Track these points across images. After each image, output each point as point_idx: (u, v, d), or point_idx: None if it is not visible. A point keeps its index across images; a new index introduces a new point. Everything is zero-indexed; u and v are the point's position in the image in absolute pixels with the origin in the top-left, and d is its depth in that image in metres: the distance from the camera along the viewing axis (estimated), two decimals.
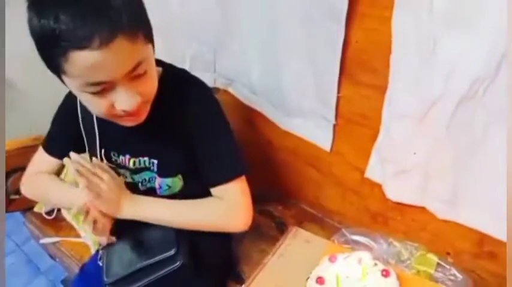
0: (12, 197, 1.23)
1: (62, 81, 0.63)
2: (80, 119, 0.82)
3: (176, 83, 0.75)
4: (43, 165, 0.88)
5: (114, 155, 0.83)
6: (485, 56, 0.65)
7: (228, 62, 1.17)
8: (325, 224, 1.18)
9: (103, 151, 0.82)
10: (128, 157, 0.82)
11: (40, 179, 0.87)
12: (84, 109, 0.79)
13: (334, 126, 1.00)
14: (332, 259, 0.84)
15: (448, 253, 0.95)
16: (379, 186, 0.98)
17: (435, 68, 0.71)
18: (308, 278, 0.83)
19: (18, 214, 1.33)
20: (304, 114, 1.05)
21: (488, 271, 0.91)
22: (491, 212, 0.81)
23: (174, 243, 0.77)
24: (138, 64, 0.60)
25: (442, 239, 0.94)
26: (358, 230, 0.97)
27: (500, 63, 0.64)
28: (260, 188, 1.31)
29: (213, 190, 0.79)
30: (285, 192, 1.27)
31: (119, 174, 0.83)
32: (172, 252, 0.76)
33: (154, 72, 0.67)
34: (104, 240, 0.80)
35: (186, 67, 1.20)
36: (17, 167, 1.11)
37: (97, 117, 0.79)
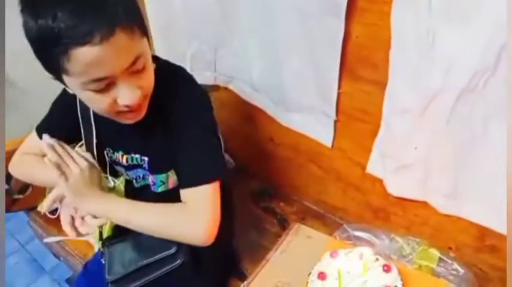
0: (16, 196, 1.24)
1: (62, 82, 0.63)
2: (79, 112, 0.82)
3: (168, 79, 0.74)
4: (32, 148, 0.88)
5: (109, 151, 0.84)
6: (483, 49, 0.64)
7: (229, 59, 1.17)
8: (327, 220, 1.18)
9: (98, 146, 0.82)
10: (120, 153, 0.82)
11: (27, 159, 0.87)
12: (83, 105, 0.79)
13: (335, 122, 1.00)
14: (333, 255, 0.84)
15: (450, 248, 0.95)
16: (380, 181, 0.98)
17: (434, 62, 0.71)
18: (310, 273, 0.84)
19: (22, 214, 1.33)
20: (305, 110, 1.05)
21: (489, 265, 0.91)
22: (492, 206, 0.81)
23: (174, 241, 0.77)
24: (137, 58, 0.61)
25: (443, 234, 0.94)
26: (360, 226, 0.98)
27: (499, 56, 0.64)
28: (262, 185, 1.33)
29: (181, 193, 0.74)
30: (287, 188, 1.27)
31: (116, 172, 0.84)
32: (172, 250, 0.76)
33: (152, 67, 0.67)
34: (68, 229, 0.80)
35: (187, 66, 1.21)
36: None
37: (94, 113, 0.79)
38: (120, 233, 0.82)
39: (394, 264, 0.82)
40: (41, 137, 0.85)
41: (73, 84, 0.62)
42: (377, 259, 0.82)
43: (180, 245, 0.76)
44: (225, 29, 1.10)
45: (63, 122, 0.84)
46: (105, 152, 0.84)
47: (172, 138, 0.74)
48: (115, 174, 0.87)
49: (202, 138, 0.74)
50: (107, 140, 0.82)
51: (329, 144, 1.05)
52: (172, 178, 0.82)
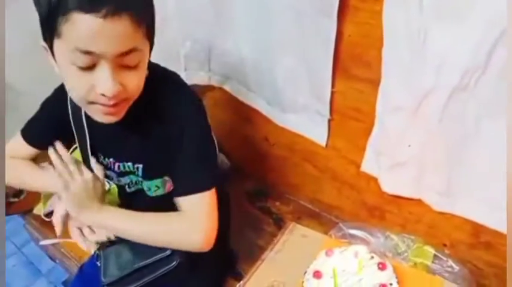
0: (11, 200, 1.23)
1: (52, 52, 0.61)
2: (71, 116, 0.80)
3: (163, 86, 0.73)
4: (18, 152, 0.86)
5: (100, 156, 0.82)
6: (474, 47, 0.65)
7: (223, 59, 1.17)
8: (322, 219, 1.18)
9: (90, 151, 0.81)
10: (112, 160, 0.81)
11: (15, 163, 0.85)
12: (74, 109, 0.78)
13: (329, 121, 1.00)
14: (329, 253, 0.85)
15: (445, 245, 0.95)
16: (375, 180, 0.99)
17: (426, 60, 0.71)
18: (305, 272, 0.84)
19: (18, 217, 1.33)
20: (299, 109, 1.05)
21: (484, 261, 0.91)
22: (486, 203, 0.81)
23: None
24: (133, 50, 0.59)
25: (438, 231, 0.95)
26: (355, 224, 0.98)
27: (490, 54, 0.64)
28: (257, 185, 1.33)
29: (177, 201, 0.74)
30: (282, 188, 1.27)
31: (107, 176, 0.83)
32: (168, 252, 0.76)
33: (144, 74, 0.66)
34: (80, 240, 0.79)
35: (181, 66, 1.21)
36: None
37: (86, 117, 0.77)
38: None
39: (389, 262, 0.83)
40: (26, 140, 0.85)
41: (61, 52, 0.59)
42: (372, 257, 0.82)
43: None
44: (218, 29, 1.09)
45: (51, 126, 0.83)
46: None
47: (168, 145, 0.74)
48: (108, 176, 0.86)
49: (198, 146, 0.74)
50: (98, 146, 0.81)
51: (323, 143, 1.05)
52: (169, 183, 0.81)
